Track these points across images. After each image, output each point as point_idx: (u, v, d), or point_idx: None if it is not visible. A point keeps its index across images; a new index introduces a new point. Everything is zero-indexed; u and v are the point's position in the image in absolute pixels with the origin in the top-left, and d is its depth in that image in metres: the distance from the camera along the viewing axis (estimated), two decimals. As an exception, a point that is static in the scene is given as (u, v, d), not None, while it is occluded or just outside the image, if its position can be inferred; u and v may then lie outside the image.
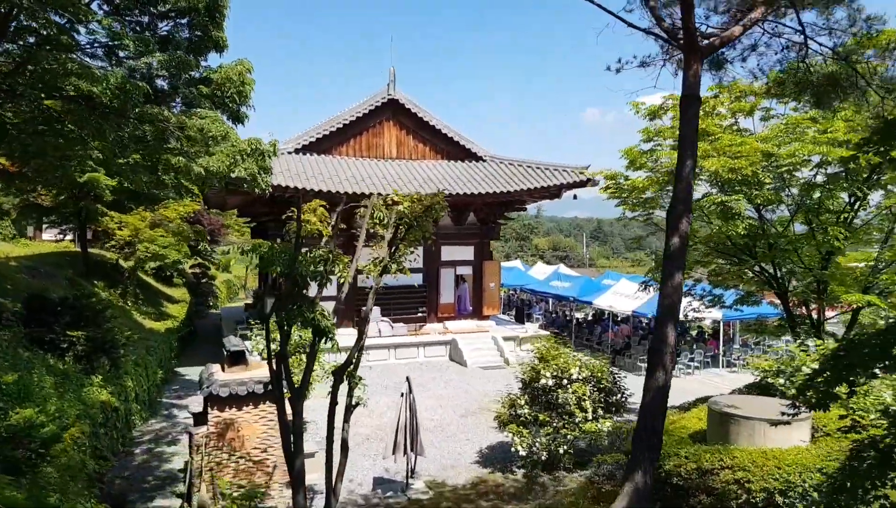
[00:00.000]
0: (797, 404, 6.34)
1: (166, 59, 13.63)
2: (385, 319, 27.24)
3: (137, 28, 14.11)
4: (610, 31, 10.03)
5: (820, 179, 13.33)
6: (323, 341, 9.63)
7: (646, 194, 15.02)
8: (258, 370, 13.71)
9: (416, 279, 28.22)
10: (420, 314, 28.51)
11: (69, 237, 37.24)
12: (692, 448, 9.91)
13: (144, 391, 18.61)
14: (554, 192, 28.29)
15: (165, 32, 14.59)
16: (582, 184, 28.12)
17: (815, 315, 14.61)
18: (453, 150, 29.74)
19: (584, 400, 13.74)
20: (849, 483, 5.71)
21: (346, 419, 10.07)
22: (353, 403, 10.29)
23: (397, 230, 10.14)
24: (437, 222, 10.64)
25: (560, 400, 13.75)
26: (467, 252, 29.95)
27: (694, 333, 30.25)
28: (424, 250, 27.60)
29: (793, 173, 13.51)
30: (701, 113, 14.76)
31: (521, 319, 32.87)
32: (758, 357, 23.47)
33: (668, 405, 16.95)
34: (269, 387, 13.11)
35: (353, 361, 9.88)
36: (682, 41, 8.42)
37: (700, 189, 14.86)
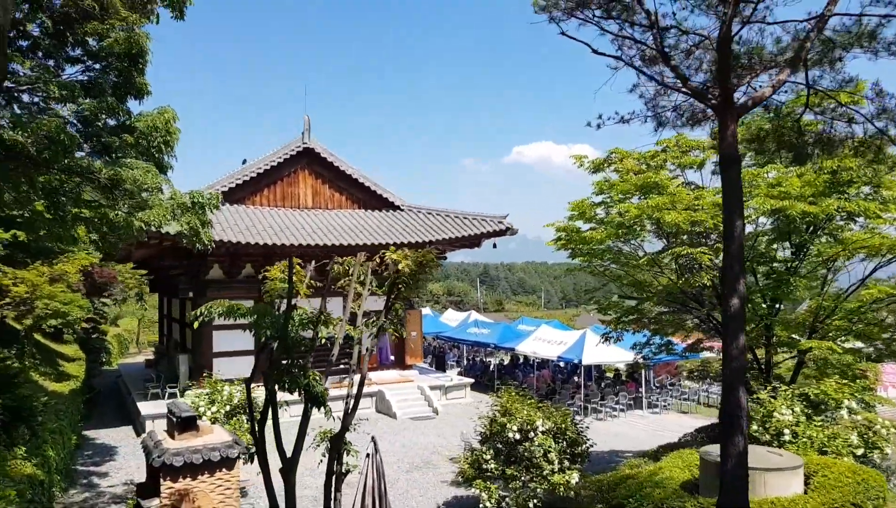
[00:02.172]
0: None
1: (94, 105, 12.87)
2: (306, 372, 26.36)
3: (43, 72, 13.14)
4: (609, 86, 10.15)
5: (768, 228, 14.02)
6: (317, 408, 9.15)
7: (603, 246, 15.30)
8: (210, 436, 12.81)
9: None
10: (343, 366, 27.71)
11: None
12: (697, 501, 9.88)
13: (62, 460, 17.14)
14: (474, 241, 28.44)
15: (85, 78, 13.75)
16: (502, 233, 28.42)
17: (760, 359, 15.21)
18: (370, 199, 29.48)
19: (550, 452, 13.63)
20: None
21: (338, 489, 9.56)
22: (345, 471, 9.80)
23: (393, 289, 9.83)
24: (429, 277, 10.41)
25: (526, 453, 13.57)
26: (379, 303, 29.47)
27: (611, 376, 30.96)
28: (343, 300, 26.99)
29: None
30: (650, 166, 15.34)
31: (441, 366, 32.63)
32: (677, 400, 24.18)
33: (629, 450, 17.04)
34: (226, 455, 12.34)
35: (347, 426, 9.43)
36: (712, 101, 8.67)
37: (650, 244, 15.34)
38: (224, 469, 12.46)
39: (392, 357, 29.27)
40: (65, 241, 16.82)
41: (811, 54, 8.37)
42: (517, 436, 13.66)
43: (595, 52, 8.78)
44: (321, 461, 9.49)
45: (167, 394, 23.91)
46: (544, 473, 13.52)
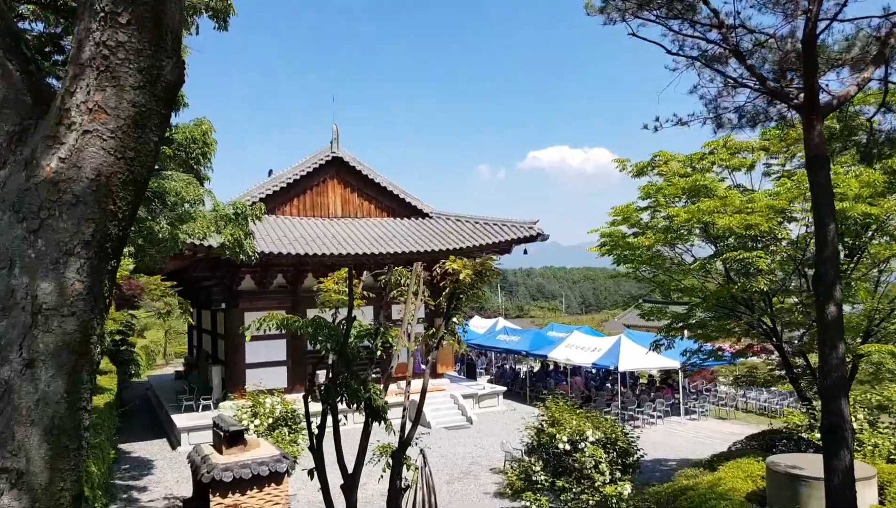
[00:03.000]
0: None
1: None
2: (340, 382, 26.17)
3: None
4: (673, 87, 9.93)
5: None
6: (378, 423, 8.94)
7: (651, 251, 15.01)
8: (258, 451, 12.66)
9: (367, 339, 27.32)
10: (374, 375, 27.53)
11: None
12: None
13: (102, 475, 17.03)
14: (504, 247, 28.18)
15: None
16: (532, 239, 28.16)
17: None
18: (398, 207, 29.32)
19: (601, 463, 13.36)
20: None
21: (399, 506, 9.34)
22: (403, 486, 9.58)
23: (452, 299, 9.63)
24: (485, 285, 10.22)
25: (576, 464, 13.32)
26: (419, 310, 29.30)
27: (644, 382, 30.56)
28: (374, 310, 26.88)
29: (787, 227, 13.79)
30: (695, 168, 15.05)
31: (472, 375, 32.36)
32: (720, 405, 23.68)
33: (671, 458, 16.64)
34: (275, 469, 12.17)
35: (409, 441, 9.22)
36: (794, 101, 8.41)
37: (698, 249, 15.07)
38: (273, 484, 12.31)
39: (423, 366, 29.00)
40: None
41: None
42: (567, 447, 13.41)
43: (669, 52, 8.57)
44: (381, 476, 9.28)
45: (201, 406, 23.80)
46: (596, 484, 13.26)
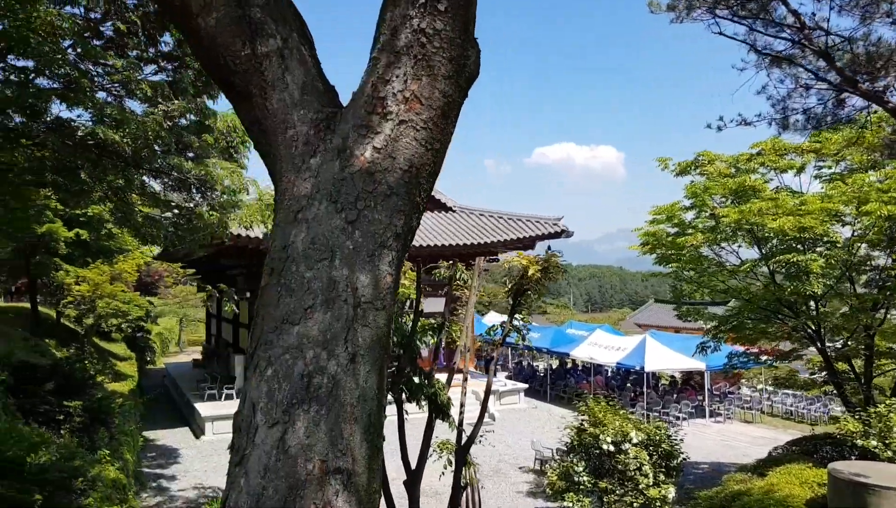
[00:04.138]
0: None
1: (184, 106, 12.64)
2: (362, 375, 26.02)
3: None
4: (745, 89, 9.79)
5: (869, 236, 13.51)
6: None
7: (697, 252, 14.86)
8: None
9: (389, 333, 27.23)
10: (392, 369, 27.32)
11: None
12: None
13: (134, 463, 16.98)
14: (528, 243, 27.95)
15: (159, 78, 13.51)
16: (556, 235, 27.98)
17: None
18: (422, 200, 29.10)
19: (644, 464, 13.23)
20: None
21: (459, 504, 9.24)
22: (464, 483, 9.49)
23: (518, 294, 9.51)
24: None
25: (619, 466, 13.17)
26: (439, 303, 29.15)
27: (666, 383, 30.41)
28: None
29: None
30: (742, 169, 14.90)
31: (487, 370, 32.21)
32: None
33: (703, 461, 16.57)
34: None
35: (474, 439, 9.12)
36: (890, 104, 8.28)
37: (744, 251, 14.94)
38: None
39: (444, 361, 28.90)
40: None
41: None
42: (611, 448, 13.27)
43: (759, 51, 8.45)
44: (443, 473, 9.19)
45: (223, 395, 23.69)
46: (640, 487, 13.12)
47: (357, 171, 2.37)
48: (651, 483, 13.15)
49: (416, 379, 8.87)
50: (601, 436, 13.38)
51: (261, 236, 14.41)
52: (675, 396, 26.46)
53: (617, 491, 13.08)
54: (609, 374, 31.56)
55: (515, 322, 10.21)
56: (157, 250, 29.93)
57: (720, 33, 8.54)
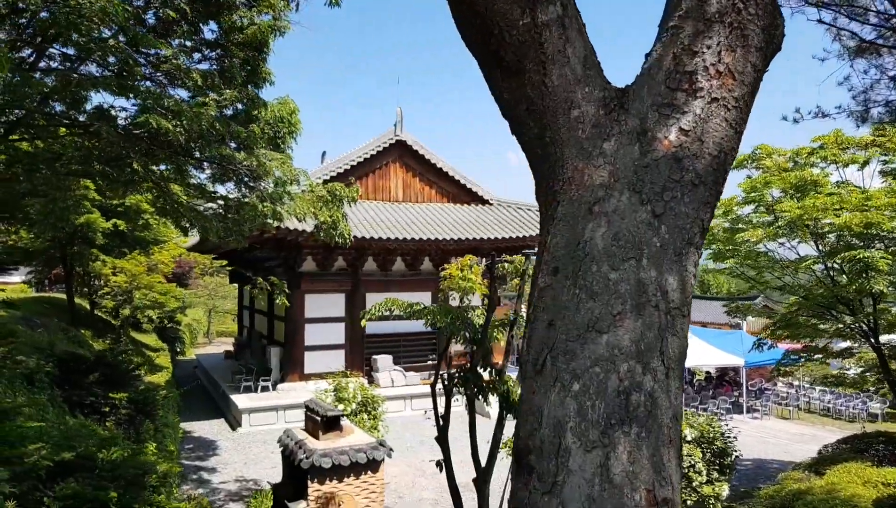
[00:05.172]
0: None
1: (235, 95, 12.45)
2: (397, 367, 25.90)
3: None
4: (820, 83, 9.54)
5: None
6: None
7: (758, 247, 14.57)
8: (353, 437, 12.35)
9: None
10: (430, 362, 27.15)
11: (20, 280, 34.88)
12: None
13: (175, 455, 16.95)
14: (566, 236, 27.69)
15: (205, 67, 13.34)
16: (593, 229, 27.64)
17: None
18: (459, 193, 28.92)
19: (698, 462, 12.99)
20: None
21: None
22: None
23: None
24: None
25: (674, 464, 12.94)
26: (474, 298, 28.98)
27: (701, 377, 30.08)
28: (432, 295, 26.64)
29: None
30: (800, 163, 14.55)
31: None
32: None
33: (746, 458, 16.24)
34: (372, 457, 11.87)
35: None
36: None
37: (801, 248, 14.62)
38: (369, 472, 12.03)
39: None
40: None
41: None
42: (666, 445, 13.03)
43: (864, 41, 8.19)
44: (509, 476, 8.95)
45: (259, 387, 23.62)
46: (693, 484, 12.89)
47: (661, 156, 2.10)
48: (704, 481, 12.92)
49: (487, 375, 8.65)
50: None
51: (310, 230, 14.17)
52: (711, 392, 26.14)
53: (672, 490, 12.85)
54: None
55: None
56: (190, 241, 29.99)
57: (819, 21, 8.26)
